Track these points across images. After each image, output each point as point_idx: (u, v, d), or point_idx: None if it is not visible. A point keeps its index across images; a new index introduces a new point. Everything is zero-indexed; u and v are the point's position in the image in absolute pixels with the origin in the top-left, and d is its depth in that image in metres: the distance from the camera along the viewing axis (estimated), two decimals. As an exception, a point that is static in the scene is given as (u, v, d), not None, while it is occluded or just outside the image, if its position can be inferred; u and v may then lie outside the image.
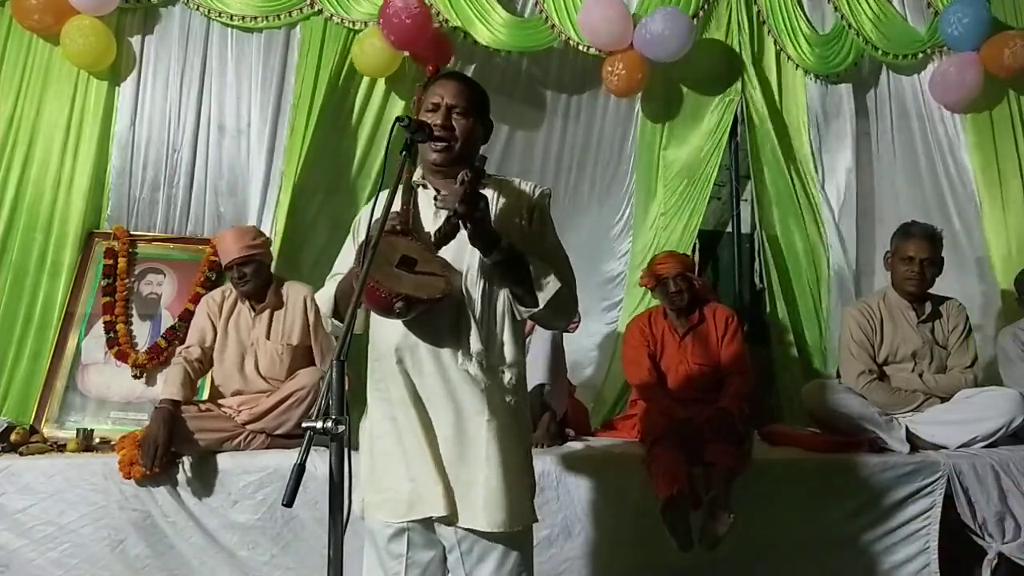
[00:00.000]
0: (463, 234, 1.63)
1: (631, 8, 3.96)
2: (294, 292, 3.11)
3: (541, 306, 1.71)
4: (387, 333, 1.74)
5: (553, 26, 3.91)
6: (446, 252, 1.71)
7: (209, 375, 3.18)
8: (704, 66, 4.10)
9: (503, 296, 1.76)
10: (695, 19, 4.02)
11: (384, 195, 1.62)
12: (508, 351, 1.75)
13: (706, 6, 4.06)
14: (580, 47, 3.91)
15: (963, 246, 4.16)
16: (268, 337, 3.04)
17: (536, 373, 2.92)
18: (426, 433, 1.72)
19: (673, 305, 3.24)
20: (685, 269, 3.25)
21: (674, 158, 4.10)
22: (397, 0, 3.56)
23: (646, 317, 3.35)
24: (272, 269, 3.21)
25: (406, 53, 3.72)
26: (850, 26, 4.13)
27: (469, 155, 1.77)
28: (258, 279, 3.05)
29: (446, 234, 1.62)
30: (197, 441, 2.74)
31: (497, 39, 3.83)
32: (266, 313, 3.07)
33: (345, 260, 1.87)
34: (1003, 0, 4.27)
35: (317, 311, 2.98)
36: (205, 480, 2.73)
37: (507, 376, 1.75)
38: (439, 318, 1.69)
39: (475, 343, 1.71)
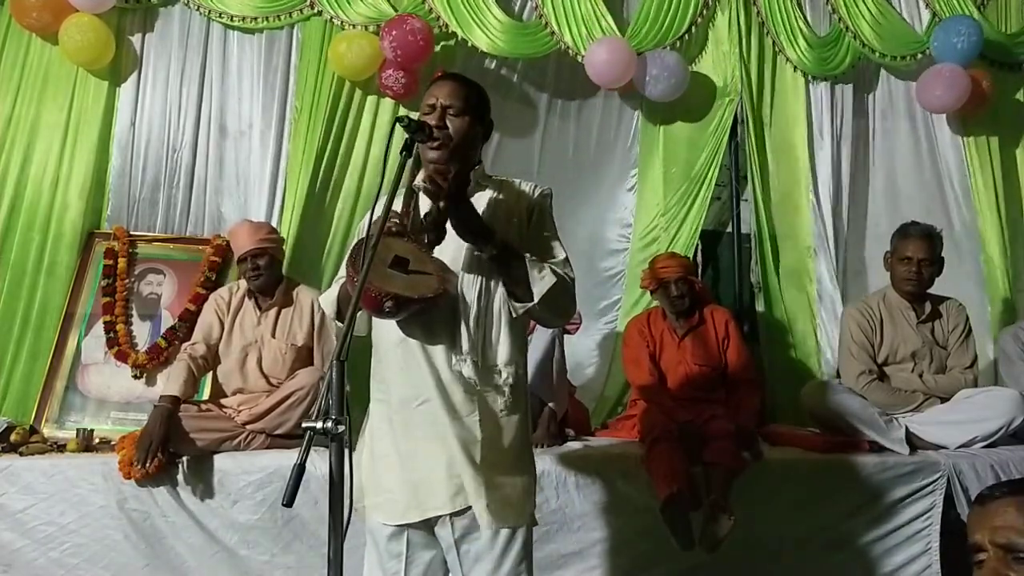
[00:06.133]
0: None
1: (628, 19, 3.98)
2: (304, 294, 3.13)
3: (536, 301, 1.69)
4: (388, 334, 1.74)
5: (553, 33, 3.90)
6: (444, 254, 1.71)
7: (211, 374, 3.18)
8: (704, 70, 4.11)
9: (499, 295, 1.75)
10: (695, 24, 4.02)
11: (384, 196, 1.61)
12: (503, 350, 1.75)
13: (705, 10, 4.06)
14: (579, 57, 3.89)
15: (958, 247, 4.15)
16: (273, 335, 3.05)
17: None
18: (422, 435, 1.71)
19: (674, 308, 3.24)
20: (687, 272, 3.24)
21: (674, 159, 4.10)
22: (414, 21, 3.59)
23: (645, 318, 3.35)
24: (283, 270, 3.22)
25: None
26: (847, 28, 4.13)
27: (467, 155, 1.77)
28: (270, 273, 3.07)
29: (431, 222, 1.61)
30: (196, 441, 2.74)
31: (496, 46, 3.81)
32: (273, 311, 3.08)
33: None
34: (997, 4, 4.28)
35: (323, 315, 3.00)
36: (205, 480, 2.73)
37: (503, 375, 1.74)
38: (435, 319, 1.69)
39: (466, 343, 1.71)
